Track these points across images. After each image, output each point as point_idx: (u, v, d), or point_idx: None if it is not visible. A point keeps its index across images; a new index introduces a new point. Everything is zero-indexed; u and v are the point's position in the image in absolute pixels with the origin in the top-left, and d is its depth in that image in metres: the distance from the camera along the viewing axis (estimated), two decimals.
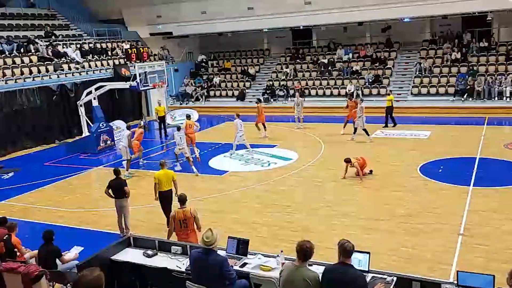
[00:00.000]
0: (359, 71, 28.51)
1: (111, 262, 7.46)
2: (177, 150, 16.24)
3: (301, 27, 30.61)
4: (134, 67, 21.41)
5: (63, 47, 26.13)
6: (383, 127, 21.08)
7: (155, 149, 20.21)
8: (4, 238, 8.41)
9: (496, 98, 23.93)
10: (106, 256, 7.47)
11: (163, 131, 22.64)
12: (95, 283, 3.51)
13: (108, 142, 20.61)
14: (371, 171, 14.52)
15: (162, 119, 22.64)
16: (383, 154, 16.89)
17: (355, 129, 19.02)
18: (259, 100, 21.85)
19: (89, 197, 14.38)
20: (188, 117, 18.55)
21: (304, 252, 5.49)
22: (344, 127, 20.32)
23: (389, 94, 22.66)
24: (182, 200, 8.65)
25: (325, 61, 30.10)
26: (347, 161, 14.17)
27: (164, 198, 10.87)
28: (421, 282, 6.09)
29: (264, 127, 20.85)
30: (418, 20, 27.96)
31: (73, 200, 14.08)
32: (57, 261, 8.16)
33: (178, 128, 16.45)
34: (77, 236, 10.79)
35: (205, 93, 31.33)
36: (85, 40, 28.96)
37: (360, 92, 26.84)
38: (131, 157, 16.19)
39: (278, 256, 6.79)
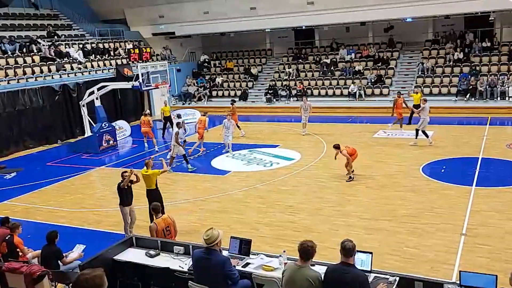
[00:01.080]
0: (362, 71, 28.48)
1: (113, 262, 7.47)
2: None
3: (304, 27, 30.64)
4: (137, 67, 21.45)
5: (65, 47, 26.19)
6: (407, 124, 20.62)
7: (158, 149, 20.19)
8: (6, 238, 8.43)
9: (499, 98, 23.89)
10: (109, 256, 7.48)
11: (166, 131, 22.70)
12: (92, 282, 3.49)
13: (111, 142, 20.64)
14: (351, 175, 14.15)
15: (168, 119, 22.64)
16: (386, 154, 16.89)
17: (424, 132, 17.59)
18: (233, 101, 22.04)
19: (91, 197, 14.39)
20: (204, 114, 19.76)
21: (306, 252, 5.50)
22: (401, 126, 20.12)
23: (417, 93, 22.02)
24: (158, 210, 8.79)
25: (328, 61, 30.09)
26: (336, 147, 14.02)
27: (151, 196, 10.99)
28: (423, 282, 6.09)
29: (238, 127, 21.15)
30: (420, 20, 27.92)
31: (75, 200, 14.10)
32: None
33: (179, 116, 18.47)
34: (79, 236, 10.79)
35: (208, 93, 31.36)
36: (87, 40, 29.02)
37: (362, 92, 26.87)
38: (173, 157, 16.48)
39: (280, 256, 6.80)
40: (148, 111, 21.30)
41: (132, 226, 10.82)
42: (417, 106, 20.68)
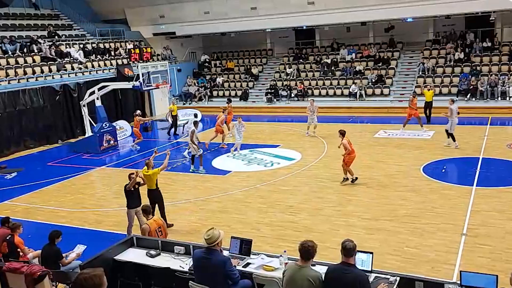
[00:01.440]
0: (362, 71, 28.46)
1: (114, 262, 7.47)
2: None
3: (304, 27, 30.62)
4: (137, 67, 21.46)
5: (66, 47, 26.19)
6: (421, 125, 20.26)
7: (160, 148, 20.18)
8: (7, 238, 8.43)
9: (499, 98, 23.88)
10: (109, 256, 7.49)
11: (171, 130, 22.77)
12: (91, 282, 3.49)
13: (111, 142, 20.63)
14: (352, 178, 14.14)
15: (174, 118, 22.66)
16: (386, 154, 16.88)
17: (451, 135, 17.01)
18: (229, 100, 22.00)
19: (92, 197, 14.38)
20: (223, 111, 19.95)
21: (307, 252, 5.50)
22: (404, 126, 20.07)
23: (429, 90, 21.88)
24: (148, 211, 8.95)
25: (328, 61, 30.08)
26: (342, 133, 13.88)
27: (152, 196, 10.99)
28: (424, 282, 6.09)
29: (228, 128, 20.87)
30: (421, 20, 27.91)
31: (75, 200, 14.10)
32: None
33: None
34: (80, 236, 10.78)
35: (208, 93, 31.36)
36: (88, 40, 29.03)
37: (363, 92, 26.85)
38: (201, 154, 16.11)
39: (281, 256, 6.80)
40: (138, 111, 21.11)
41: None
42: (429, 103, 20.63)
